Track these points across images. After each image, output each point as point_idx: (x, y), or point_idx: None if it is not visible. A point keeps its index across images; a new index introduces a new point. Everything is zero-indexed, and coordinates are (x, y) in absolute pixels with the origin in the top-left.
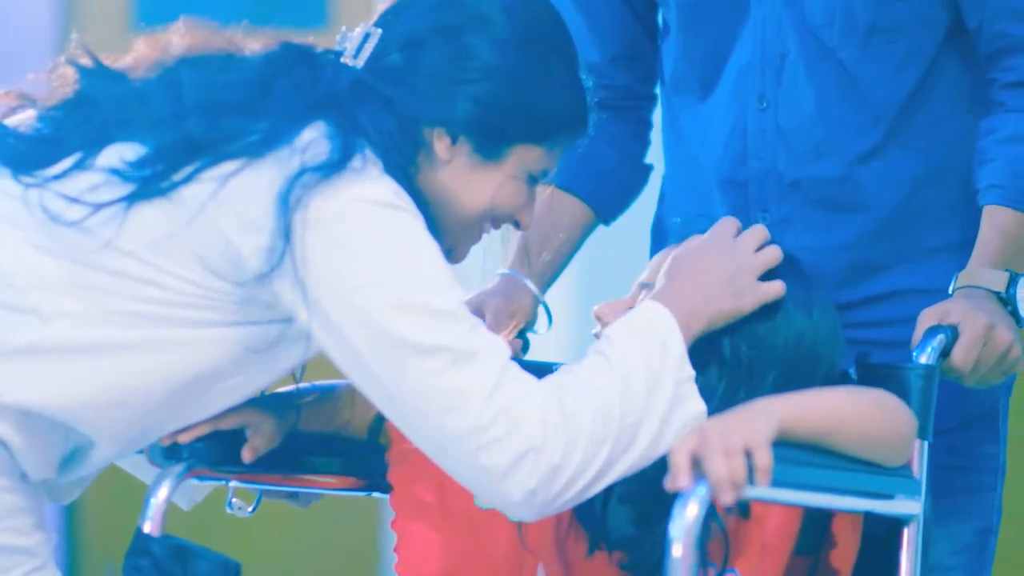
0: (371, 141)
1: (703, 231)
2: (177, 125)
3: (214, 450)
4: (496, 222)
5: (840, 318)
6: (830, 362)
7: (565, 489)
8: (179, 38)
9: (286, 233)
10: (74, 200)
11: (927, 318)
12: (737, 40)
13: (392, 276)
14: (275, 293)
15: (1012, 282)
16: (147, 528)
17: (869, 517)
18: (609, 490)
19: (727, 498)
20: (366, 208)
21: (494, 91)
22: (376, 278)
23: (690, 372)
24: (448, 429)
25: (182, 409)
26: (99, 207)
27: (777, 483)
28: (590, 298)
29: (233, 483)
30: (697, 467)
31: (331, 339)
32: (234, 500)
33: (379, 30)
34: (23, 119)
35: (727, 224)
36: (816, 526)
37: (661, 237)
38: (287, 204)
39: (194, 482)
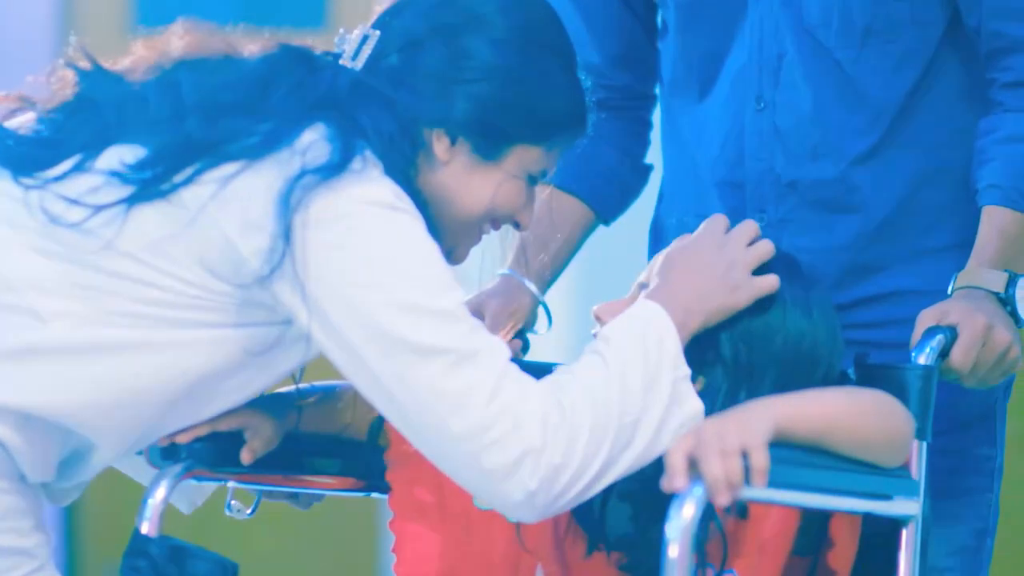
0: (371, 143)
1: None
2: (176, 127)
3: (212, 451)
4: (496, 223)
5: (839, 319)
6: (829, 363)
7: (566, 489)
8: (178, 40)
9: (286, 234)
10: (74, 202)
11: (926, 319)
12: (734, 41)
13: (392, 277)
14: (275, 294)
15: (1011, 282)
16: (144, 529)
17: (868, 518)
18: (608, 490)
19: (723, 499)
20: (367, 209)
21: (493, 91)
22: (376, 279)
23: (686, 371)
24: (449, 430)
25: (181, 411)
26: (99, 209)
27: (774, 484)
28: (590, 298)
29: (232, 484)
30: (693, 468)
31: (331, 340)
32: (233, 502)
33: (377, 32)
34: (23, 121)
35: (717, 221)
36: (814, 527)
37: (660, 237)
38: (287, 205)
39: (192, 483)
